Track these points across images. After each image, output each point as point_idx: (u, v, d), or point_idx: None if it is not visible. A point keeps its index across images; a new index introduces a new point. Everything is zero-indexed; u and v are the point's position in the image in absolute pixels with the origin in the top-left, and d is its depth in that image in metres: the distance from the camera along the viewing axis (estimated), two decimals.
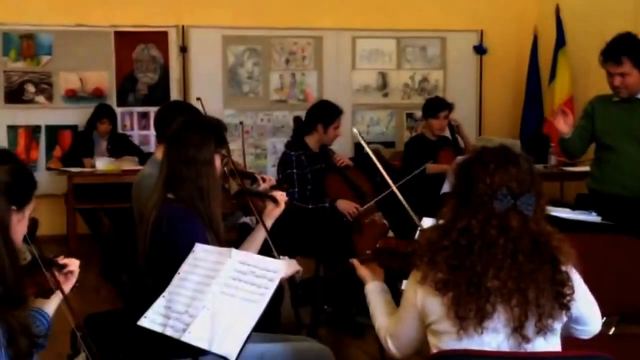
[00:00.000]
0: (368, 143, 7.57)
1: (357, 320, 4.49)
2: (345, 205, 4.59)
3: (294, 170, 4.70)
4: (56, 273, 2.06)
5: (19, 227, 1.90)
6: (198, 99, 4.61)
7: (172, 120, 3.44)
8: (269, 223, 3.00)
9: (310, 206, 4.63)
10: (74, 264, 2.14)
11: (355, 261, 2.57)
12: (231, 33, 7.73)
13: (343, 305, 4.57)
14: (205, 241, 2.59)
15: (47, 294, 2.11)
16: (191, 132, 2.78)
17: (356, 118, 8.11)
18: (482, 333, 1.97)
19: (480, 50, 8.29)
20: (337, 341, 4.31)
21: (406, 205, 2.97)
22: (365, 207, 4.54)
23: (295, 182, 4.66)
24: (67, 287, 2.13)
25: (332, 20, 7.87)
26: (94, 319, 4.01)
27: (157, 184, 2.86)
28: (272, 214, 3.00)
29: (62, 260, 2.12)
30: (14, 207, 1.85)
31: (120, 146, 7.02)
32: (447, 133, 6.11)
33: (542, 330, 1.97)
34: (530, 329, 1.96)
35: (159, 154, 3.50)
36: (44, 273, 1.99)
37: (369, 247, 3.37)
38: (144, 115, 7.67)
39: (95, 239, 6.46)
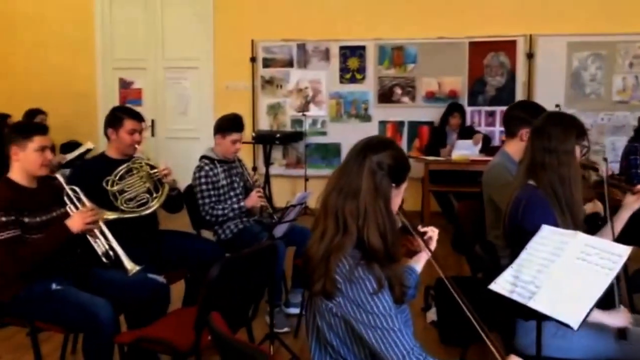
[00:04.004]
0: None
1: None
2: None
3: (637, 157, 4.40)
4: (418, 239, 2.13)
5: (396, 200, 2.00)
6: (557, 105, 4.46)
7: (518, 118, 3.39)
8: (627, 214, 2.83)
9: None
10: (434, 232, 2.20)
11: None
12: (576, 40, 7.35)
13: None
14: (554, 225, 2.53)
15: (411, 254, 2.22)
16: (554, 125, 2.72)
17: None
18: None
19: None
20: None
21: None
22: None
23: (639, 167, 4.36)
24: (431, 246, 2.18)
25: None
26: (442, 282, 4.14)
27: (519, 171, 2.85)
28: (632, 205, 2.83)
29: (423, 228, 2.19)
30: (393, 185, 1.95)
31: (468, 138, 7.09)
32: None
33: None
34: None
35: (507, 147, 3.48)
36: (410, 237, 2.08)
37: None
38: (490, 114, 7.67)
39: (445, 216, 6.64)
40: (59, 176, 3.26)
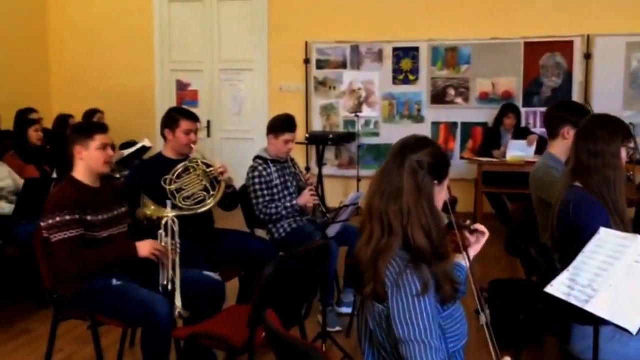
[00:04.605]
0: None
1: None
2: None
3: None
4: (467, 234, 2.12)
5: (439, 197, 1.98)
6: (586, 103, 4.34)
7: (558, 117, 3.35)
8: None
9: None
10: (481, 227, 2.15)
11: None
12: (635, 39, 7.13)
13: None
14: (607, 226, 2.47)
15: (462, 249, 2.19)
16: (599, 127, 2.67)
17: None
18: None
19: None
20: None
21: None
22: None
23: None
24: (477, 246, 2.15)
25: None
26: (496, 284, 4.09)
27: (565, 172, 2.81)
28: None
29: (472, 225, 2.15)
30: (435, 182, 1.93)
31: (523, 139, 6.98)
32: None
33: None
34: None
35: (550, 148, 3.43)
36: (458, 233, 2.05)
37: None
38: None
39: (498, 217, 6.52)
40: (168, 208, 3.35)
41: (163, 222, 3.32)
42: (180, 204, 3.63)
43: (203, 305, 3.23)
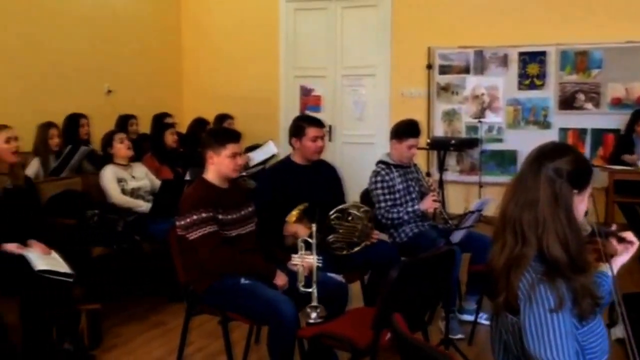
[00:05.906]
0: None
1: None
2: None
3: None
4: (614, 243, 2.00)
5: (580, 207, 1.88)
6: None
7: None
8: None
9: None
10: (630, 236, 2.03)
11: None
12: None
13: None
14: None
15: (605, 259, 2.07)
16: None
17: None
18: None
19: None
20: None
21: None
22: None
23: None
24: (627, 255, 2.03)
25: None
26: (630, 298, 3.84)
27: None
28: None
29: (621, 233, 2.03)
30: (575, 191, 1.84)
31: None
32: None
33: None
34: None
35: None
36: (600, 242, 1.94)
37: None
38: None
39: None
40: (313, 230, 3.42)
41: (301, 239, 3.40)
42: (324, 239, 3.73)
43: (327, 307, 3.26)
